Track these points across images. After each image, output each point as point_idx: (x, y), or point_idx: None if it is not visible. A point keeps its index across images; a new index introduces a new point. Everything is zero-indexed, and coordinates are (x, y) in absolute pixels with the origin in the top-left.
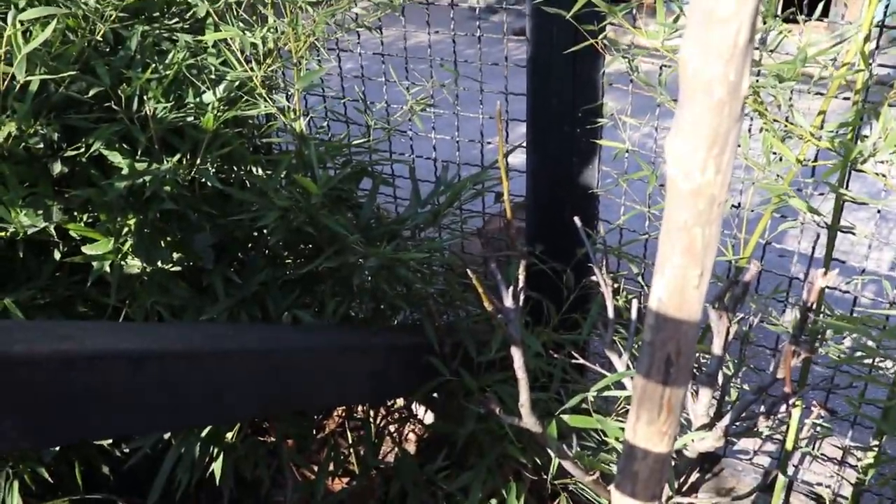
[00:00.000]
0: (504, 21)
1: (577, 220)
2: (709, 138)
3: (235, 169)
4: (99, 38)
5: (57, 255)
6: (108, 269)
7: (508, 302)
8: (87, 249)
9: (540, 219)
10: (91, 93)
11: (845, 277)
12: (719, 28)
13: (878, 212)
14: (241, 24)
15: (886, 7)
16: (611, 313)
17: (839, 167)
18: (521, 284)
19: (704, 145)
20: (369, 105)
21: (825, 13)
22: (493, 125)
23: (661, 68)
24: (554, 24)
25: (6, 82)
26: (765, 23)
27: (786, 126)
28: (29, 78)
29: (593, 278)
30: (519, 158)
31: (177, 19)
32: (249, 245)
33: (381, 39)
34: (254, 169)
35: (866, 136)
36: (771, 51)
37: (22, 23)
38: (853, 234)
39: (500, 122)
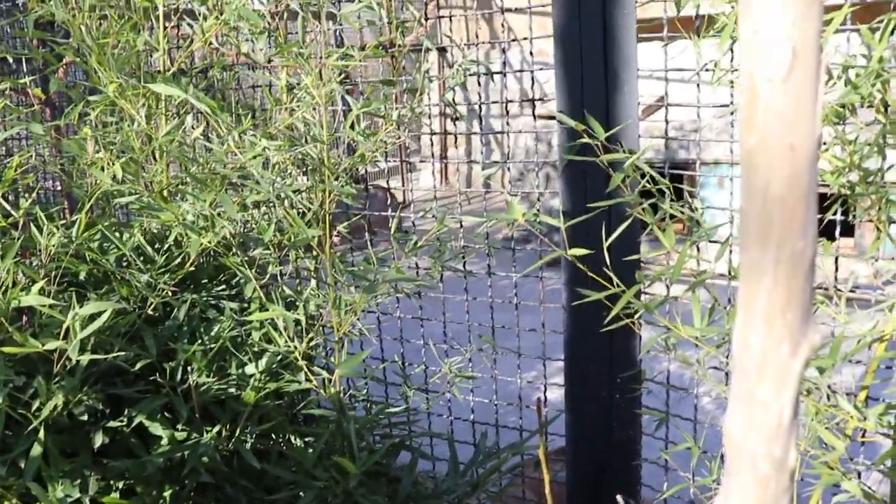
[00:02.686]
0: (538, 249)
1: (619, 498)
2: None
3: (274, 437)
4: (150, 311)
5: None
6: None
7: None
8: None
9: (581, 485)
10: (138, 365)
11: None
12: (761, 409)
13: None
14: (286, 292)
15: None
16: None
17: (892, 453)
18: None
19: None
20: (408, 366)
21: (851, 234)
22: (531, 388)
23: (698, 342)
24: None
25: (60, 362)
26: None
27: (830, 408)
28: (80, 358)
29: None
30: (557, 394)
31: (224, 286)
32: None
33: (420, 305)
34: (293, 439)
35: None
36: None
37: (78, 315)
38: None
39: (541, 415)
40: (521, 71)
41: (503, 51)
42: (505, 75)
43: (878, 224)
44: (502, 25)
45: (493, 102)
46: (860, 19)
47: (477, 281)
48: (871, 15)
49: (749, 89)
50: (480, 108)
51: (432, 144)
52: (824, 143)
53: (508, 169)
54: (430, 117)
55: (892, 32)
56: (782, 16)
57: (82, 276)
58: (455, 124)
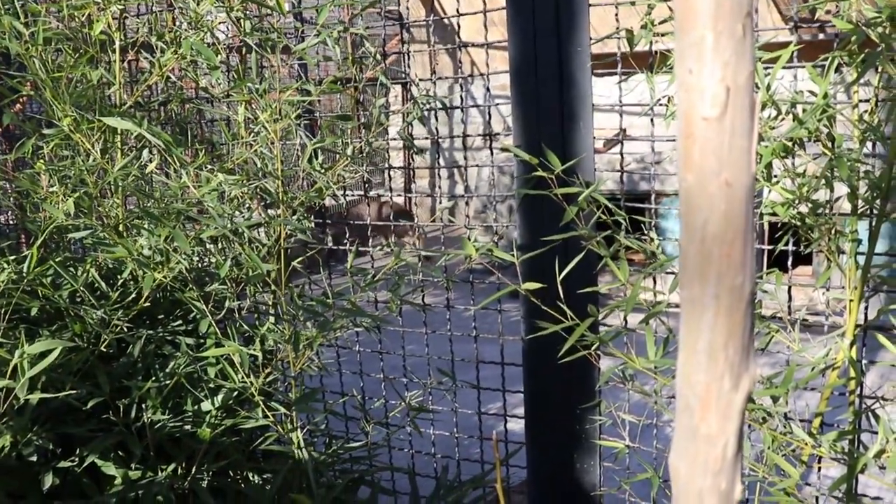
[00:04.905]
0: (497, 281)
1: None
2: None
3: (231, 475)
4: (103, 348)
5: None
6: None
7: None
8: None
9: None
10: (90, 403)
11: None
12: (706, 443)
13: None
14: (243, 327)
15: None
16: None
17: (843, 481)
18: None
19: None
20: (368, 400)
21: (809, 261)
22: (493, 420)
23: (654, 374)
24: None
25: (8, 400)
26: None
27: (785, 434)
28: (29, 396)
29: None
30: (518, 425)
31: (180, 321)
32: None
33: (379, 338)
34: (250, 476)
35: (866, 448)
36: (762, 349)
37: (27, 354)
38: None
39: (498, 451)
40: (475, 106)
41: (458, 84)
42: (466, 109)
43: (827, 254)
44: (459, 61)
45: (455, 137)
46: (807, 56)
47: (438, 313)
48: (818, 51)
49: (686, 128)
50: (439, 141)
51: (391, 178)
52: (775, 176)
53: (466, 203)
54: (387, 151)
55: (836, 70)
56: (715, 56)
57: (34, 312)
58: (419, 157)
